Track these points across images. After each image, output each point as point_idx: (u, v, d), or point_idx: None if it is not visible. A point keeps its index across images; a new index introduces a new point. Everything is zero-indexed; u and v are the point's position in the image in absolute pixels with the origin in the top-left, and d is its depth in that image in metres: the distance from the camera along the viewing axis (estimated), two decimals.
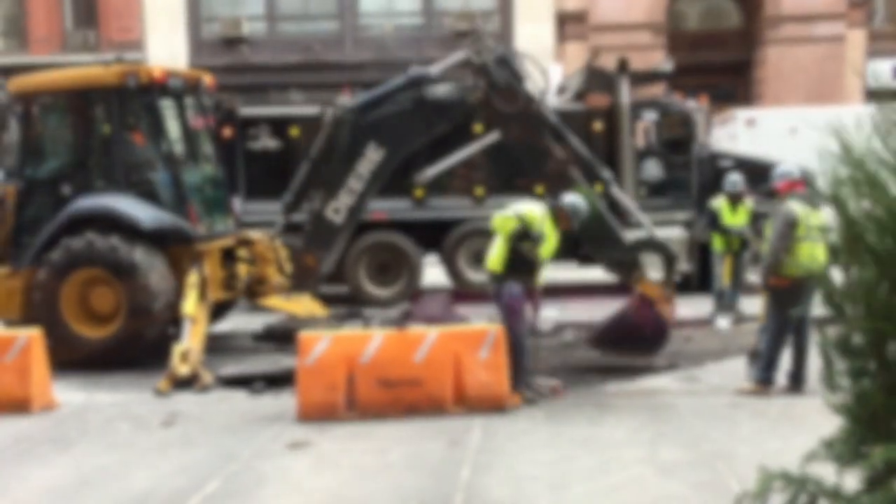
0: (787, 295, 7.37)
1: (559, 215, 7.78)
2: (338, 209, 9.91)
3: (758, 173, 12.52)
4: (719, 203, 11.18)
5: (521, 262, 7.59)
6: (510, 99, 9.26)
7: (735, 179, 11.15)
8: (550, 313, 11.63)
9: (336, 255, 10.40)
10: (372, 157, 9.74)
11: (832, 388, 2.86)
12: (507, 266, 7.56)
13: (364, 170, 9.76)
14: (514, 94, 9.27)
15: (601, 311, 11.87)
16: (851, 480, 2.80)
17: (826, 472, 2.92)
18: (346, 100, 10.63)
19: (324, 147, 10.14)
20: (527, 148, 9.44)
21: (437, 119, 9.74)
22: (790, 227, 7.36)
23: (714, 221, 11.23)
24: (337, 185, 9.83)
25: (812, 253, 7.24)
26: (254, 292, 10.67)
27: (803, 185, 7.74)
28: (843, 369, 2.81)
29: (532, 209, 7.61)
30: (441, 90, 9.69)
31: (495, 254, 7.63)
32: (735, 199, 11.06)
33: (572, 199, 7.90)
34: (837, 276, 2.93)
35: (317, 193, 10.27)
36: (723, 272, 11.26)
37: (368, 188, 9.86)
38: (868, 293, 2.61)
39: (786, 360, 7.71)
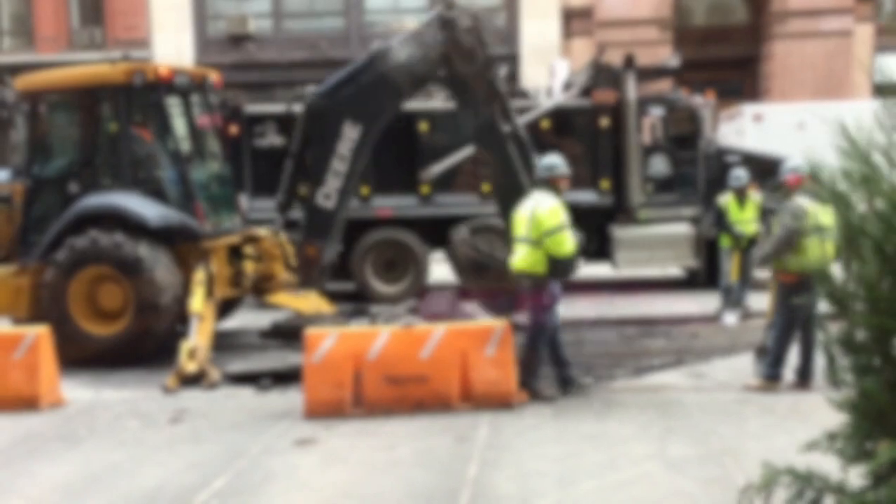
0: (795, 291, 7.36)
1: (559, 184, 7.63)
2: (328, 194, 9.98)
3: (765, 169, 12.49)
4: (726, 200, 11.15)
5: (559, 261, 7.51)
6: (469, 59, 9.46)
7: (739, 174, 11.13)
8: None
9: (336, 243, 10.48)
10: (350, 135, 9.82)
11: (835, 384, 2.85)
12: (549, 267, 7.44)
13: (345, 150, 9.83)
14: (474, 55, 9.46)
15: (605, 308, 11.89)
16: (856, 477, 2.79)
17: (831, 467, 2.92)
18: (313, 88, 10.65)
19: (301, 139, 10.21)
20: (473, 115, 9.67)
21: (403, 82, 9.80)
22: (798, 222, 7.33)
23: (720, 219, 11.20)
24: (322, 170, 9.88)
25: (821, 249, 7.19)
26: (261, 289, 10.70)
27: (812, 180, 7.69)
28: (846, 366, 2.80)
29: (552, 209, 7.44)
30: (403, 53, 9.72)
31: (533, 257, 7.40)
32: (741, 194, 11.03)
33: (548, 160, 7.77)
34: (839, 272, 2.92)
35: (305, 185, 10.35)
36: (730, 268, 11.23)
37: (353, 167, 9.91)
38: (871, 289, 2.60)
39: (793, 357, 7.69)
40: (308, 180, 10.21)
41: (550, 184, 7.63)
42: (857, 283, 2.67)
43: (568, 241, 7.41)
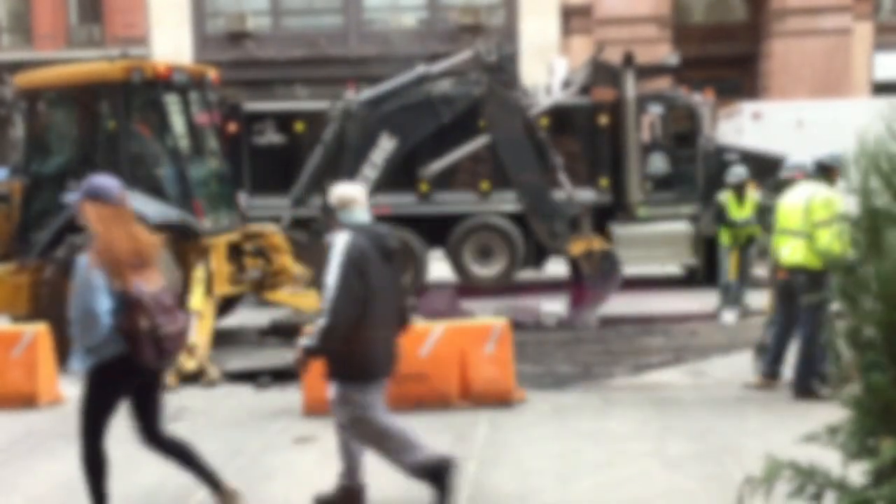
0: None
1: (835, 175, 7.34)
2: None
3: (764, 167, 12.50)
4: (725, 197, 11.16)
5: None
6: (509, 88, 10.86)
7: (738, 171, 11.14)
8: (554, 308, 11.64)
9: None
10: (385, 146, 10.67)
11: (841, 380, 2.85)
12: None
13: (378, 158, 10.66)
14: (513, 87, 10.85)
15: (604, 306, 11.88)
16: (858, 473, 2.79)
17: (833, 463, 2.92)
18: (352, 95, 11.09)
19: (334, 140, 10.71)
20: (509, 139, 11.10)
21: (444, 110, 10.83)
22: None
23: (720, 215, 11.20)
24: (353, 174, 10.58)
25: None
26: (271, 285, 10.68)
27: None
28: (852, 362, 2.80)
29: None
30: (446, 84, 10.79)
31: (807, 250, 7.04)
32: (740, 191, 11.04)
33: (797, 160, 8.11)
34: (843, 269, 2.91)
35: (332, 185, 10.76)
36: (729, 266, 11.23)
37: (381, 175, 10.72)
38: (885, 286, 2.59)
39: (793, 355, 7.68)
40: (335, 180, 10.76)
41: (827, 173, 7.35)
42: (873, 279, 2.66)
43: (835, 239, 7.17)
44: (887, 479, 2.47)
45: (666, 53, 17.07)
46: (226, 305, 10.75)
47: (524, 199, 11.35)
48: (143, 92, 9.85)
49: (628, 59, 13.17)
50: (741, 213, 11.10)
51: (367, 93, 11.11)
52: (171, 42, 22.33)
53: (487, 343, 7.27)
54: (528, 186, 11.16)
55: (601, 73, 13.42)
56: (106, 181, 4.81)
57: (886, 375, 2.57)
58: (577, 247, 10.96)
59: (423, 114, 10.81)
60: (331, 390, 5.01)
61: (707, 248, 13.14)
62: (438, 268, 14.26)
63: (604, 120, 13.34)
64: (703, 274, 13.45)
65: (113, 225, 4.69)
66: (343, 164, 10.75)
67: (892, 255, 2.61)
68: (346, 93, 11.54)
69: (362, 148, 10.68)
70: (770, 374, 7.64)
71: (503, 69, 10.88)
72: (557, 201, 11.35)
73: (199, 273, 9.28)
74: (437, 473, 4.84)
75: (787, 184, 7.98)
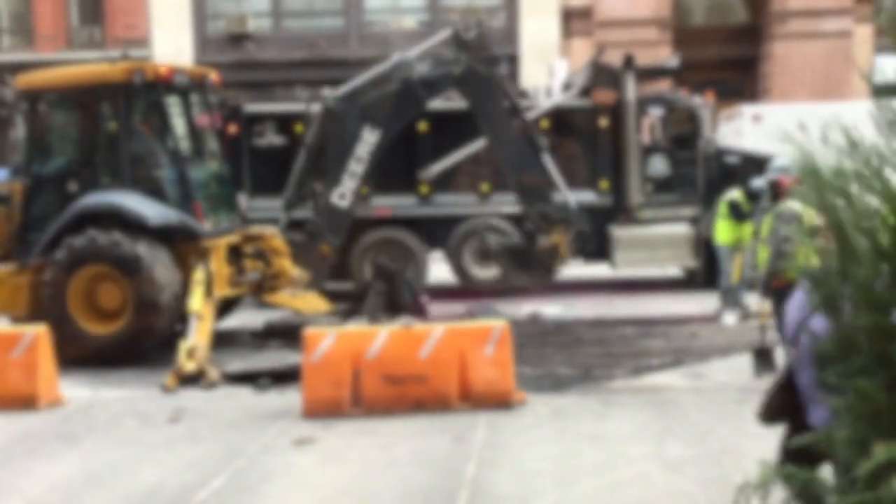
0: (786, 295, 7.31)
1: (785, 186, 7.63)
2: (343, 194, 10.69)
3: (764, 169, 12.47)
4: (738, 194, 11.14)
5: None
6: (489, 64, 10.84)
7: (760, 184, 11.01)
8: (554, 309, 11.66)
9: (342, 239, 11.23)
10: (368, 139, 10.54)
11: (828, 387, 2.85)
12: None
13: (363, 152, 10.55)
14: (492, 63, 10.82)
15: (604, 308, 11.91)
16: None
17: (827, 467, 2.92)
18: (330, 92, 11.05)
19: (317, 139, 10.61)
20: (486, 112, 10.97)
21: (423, 94, 10.63)
22: (790, 227, 7.27)
23: (737, 210, 11.12)
24: (339, 171, 10.52)
25: (811, 253, 7.11)
26: (269, 287, 10.69)
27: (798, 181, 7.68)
28: (838, 368, 2.80)
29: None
30: (424, 67, 10.60)
31: None
32: (752, 198, 11.01)
33: (781, 163, 7.93)
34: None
35: (319, 184, 10.72)
36: (732, 269, 11.18)
37: (368, 169, 10.64)
38: (866, 290, 2.60)
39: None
40: (322, 179, 10.72)
41: (777, 191, 7.60)
42: (851, 285, 2.67)
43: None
44: (881, 483, 2.47)
45: (666, 55, 17.09)
46: (225, 307, 10.76)
47: (513, 171, 11.19)
48: (144, 94, 9.87)
49: (629, 62, 13.17)
50: (746, 207, 11.11)
51: (345, 87, 11.01)
52: (171, 44, 22.33)
53: (487, 345, 7.27)
54: (518, 158, 11.03)
55: (601, 75, 13.42)
56: None
57: (874, 380, 2.57)
58: (551, 238, 11.18)
59: (404, 100, 10.61)
60: None
61: (707, 251, 13.11)
62: (438, 270, 14.25)
63: (604, 122, 13.34)
64: (702, 276, 13.43)
65: None
66: (328, 161, 10.71)
67: (866, 261, 2.62)
68: (323, 91, 11.48)
69: (346, 143, 10.59)
70: None
71: (482, 46, 10.71)
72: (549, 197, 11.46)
73: (198, 275, 9.28)
74: None
75: (773, 186, 7.95)
